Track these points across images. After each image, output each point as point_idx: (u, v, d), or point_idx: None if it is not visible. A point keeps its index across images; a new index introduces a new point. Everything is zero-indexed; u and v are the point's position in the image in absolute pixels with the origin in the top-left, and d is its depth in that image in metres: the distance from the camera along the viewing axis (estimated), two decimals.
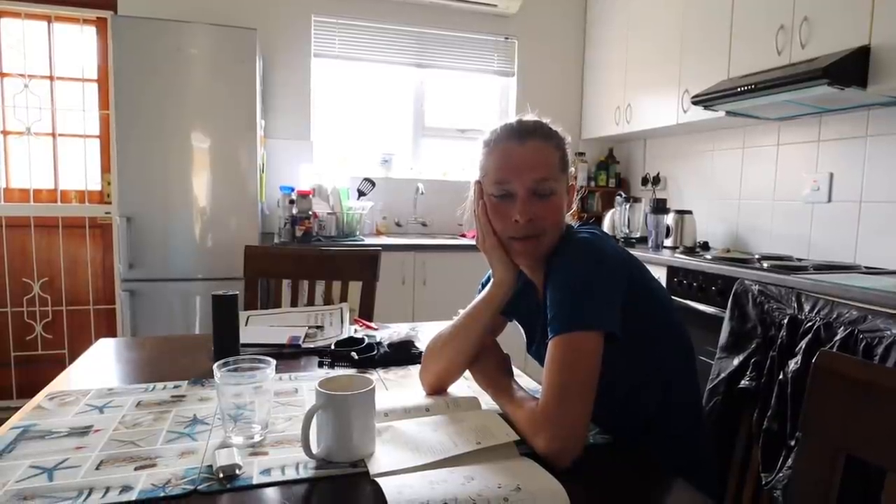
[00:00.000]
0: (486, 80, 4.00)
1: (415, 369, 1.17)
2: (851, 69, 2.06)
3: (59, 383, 1.09)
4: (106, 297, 3.27)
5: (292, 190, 3.10)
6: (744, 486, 1.31)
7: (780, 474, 1.40)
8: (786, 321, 1.23)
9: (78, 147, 3.22)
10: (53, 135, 3.17)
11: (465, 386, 1.08)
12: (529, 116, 1.08)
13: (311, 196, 3.13)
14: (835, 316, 1.13)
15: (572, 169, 1.10)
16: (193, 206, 2.80)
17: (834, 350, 1.05)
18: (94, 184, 3.25)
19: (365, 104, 3.79)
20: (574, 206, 1.10)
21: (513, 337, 1.25)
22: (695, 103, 2.70)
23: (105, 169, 3.23)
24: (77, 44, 3.20)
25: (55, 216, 3.16)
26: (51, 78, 3.15)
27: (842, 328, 1.08)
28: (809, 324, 1.16)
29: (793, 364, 1.12)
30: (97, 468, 0.74)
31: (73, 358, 1.27)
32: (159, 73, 2.70)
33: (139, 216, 2.73)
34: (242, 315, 1.52)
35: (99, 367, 1.21)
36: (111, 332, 3.26)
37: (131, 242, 2.73)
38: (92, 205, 3.23)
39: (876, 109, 2.37)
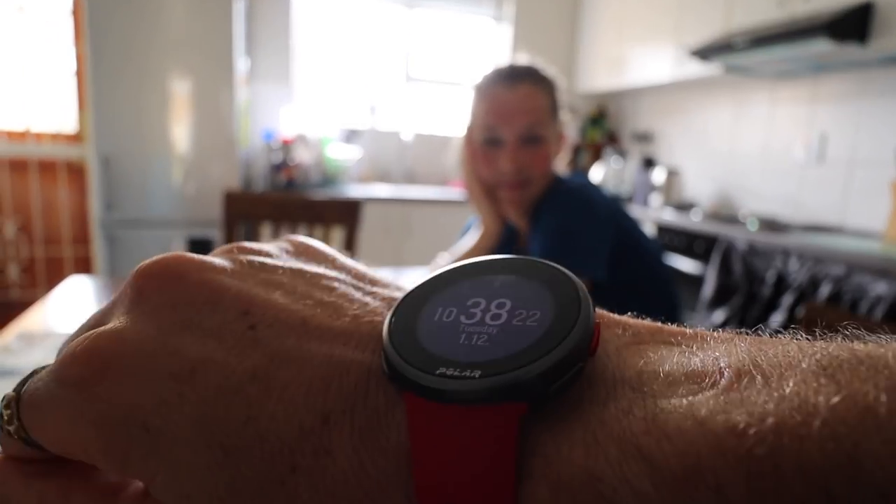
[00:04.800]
0: (479, 24, 3.88)
1: None
2: (852, 24, 2.01)
3: (29, 322, 1.05)
4: (82, 241, 3.21)
5: (276, 136, 3.03)
6: None
7: None
8: (771, 277, 1.22)
9: (49, 84, 3.10)
10: (23, 72, 3.05)
11: None
12: (523, 60, 1.04)
13: (295, 143, 3.05)
14: (820, 274, 1.12)
15: (564, 118, 1.06)
16: (173, 149, 2.72)
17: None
18: (67, 124, 3.15)
19: (353, 51, 3.67)
20: (565, 156, 1.07)
21: None
22: (693, 55, 2.63)
23: (80, 107, 3.12)
24: None
25: (26, 156, 3.07)
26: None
27: (827, 286, 1.07)
28: (794, 280, 1.15)
29: (777, 318, 1.12)
30: None
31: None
32: (135, 5, 2.58)
33: (116, 158, 2.65)
34: None
35: (71, 305, 1.18)
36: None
37: (108, 185, 2.65)
38: (66, 145, 3.14)
39: (872, 70, 2.33)
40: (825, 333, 0.15)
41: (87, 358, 0.17)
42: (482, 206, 1.03)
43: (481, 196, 1.02)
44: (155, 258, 0.20)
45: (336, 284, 0.19)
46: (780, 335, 0.16)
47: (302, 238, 0.23)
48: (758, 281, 1.29)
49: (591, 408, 0.14)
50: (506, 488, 0.14)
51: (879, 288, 1.29)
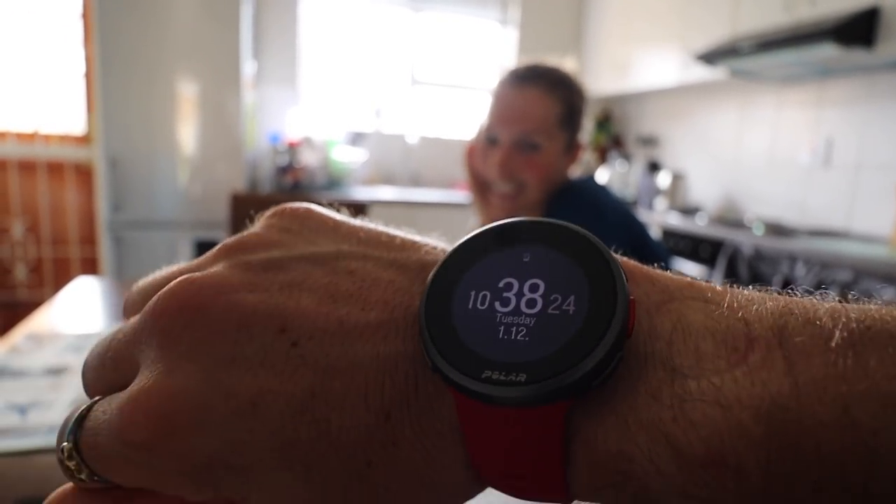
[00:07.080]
0: (485, 28, 3.89)
1: None
2: (859, 29, 2.01)
3: (37, 323, 1.06)
4: (89, 242, 3.22)
5: (282, 139, 3.04)
6: None
7: None
8: (777, 282, 1.22)
9: (58, 86, 3.11)
10: (32, 73, 3.07)
11: None
12: (549, 62, 1.02)
13: (300, 146, 3.06)
14: (826, 279, 1.12)
15: (585, 126, 1.03)
16: (180, 151, 2.73)
17: None
18: (75, 125, 3.16)
19: (359, 54, 3.68)
20: (578, 165, 1.05)
21: None
22: (699, 59, 2.63)
23: (88, 109, 3.13)
24: None
25: (34, 157, 3.08)
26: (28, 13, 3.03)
27: (833, 291, 1.07)
28: (801, 286, 1.15)
29: None
30: (70, 407, 0.72)
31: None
32: (144, 9, 2.60)
33: (124, 159, 2.66)
34: None
35: (79, 306, 1.18)
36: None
37: (116, 186, 2.67)
38: (74, 147, 3.15)
39: (879, 75, 2.32)
40: (856, 297, 0.16)
41: (146, 421, 0.16)
42: (475, 202, 1.06)
43: (473, 189, 1.05)
44: (165, 292, 0.18)
45: (353, 264, 0.19)
46: (811, 297, 0.17)
47: (290, 206, 0.22)
48: (764, 286, 1.30)
49: (623, 391, 0.15)
50: (555, 472, 0.16)
51: (886, 294, 1.29)
